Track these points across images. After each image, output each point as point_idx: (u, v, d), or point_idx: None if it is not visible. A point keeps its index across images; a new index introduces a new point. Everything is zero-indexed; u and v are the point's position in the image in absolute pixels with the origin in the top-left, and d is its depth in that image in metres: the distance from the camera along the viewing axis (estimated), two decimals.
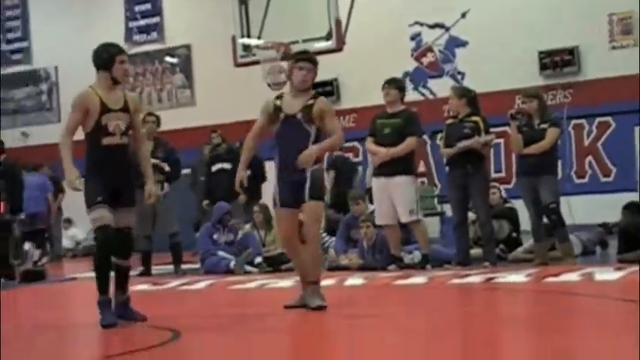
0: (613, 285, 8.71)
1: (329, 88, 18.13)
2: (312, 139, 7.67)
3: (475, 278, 9.73)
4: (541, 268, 10.25)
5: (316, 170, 7.69)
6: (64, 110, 20.37)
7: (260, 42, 16.30)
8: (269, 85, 16.18)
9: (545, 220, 10.92)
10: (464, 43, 17.58)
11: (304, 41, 16.16)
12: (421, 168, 17.39)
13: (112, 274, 7.61)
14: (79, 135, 7.49)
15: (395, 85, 11.36)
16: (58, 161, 7.71)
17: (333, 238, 12.52)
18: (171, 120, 16.24)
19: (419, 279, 9.98)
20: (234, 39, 17.67)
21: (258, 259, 12.19)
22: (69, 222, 19.85)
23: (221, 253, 12.35)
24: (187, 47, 20.32)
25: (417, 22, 17.93)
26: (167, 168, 12.60)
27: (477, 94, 11.56)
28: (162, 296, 10.41)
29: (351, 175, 15.92)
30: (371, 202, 11.79)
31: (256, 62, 17.27)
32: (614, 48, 16.32)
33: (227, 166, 14.71)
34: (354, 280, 10.29)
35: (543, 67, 16.64)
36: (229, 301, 9.59)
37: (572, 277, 9.28)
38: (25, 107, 22.18)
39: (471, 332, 6.61)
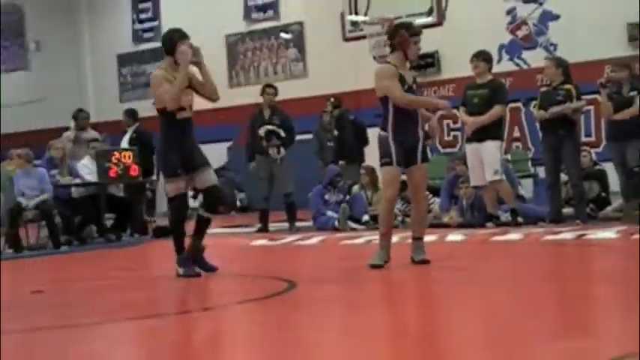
0: None
1: (430, 60, 17.95)
2: None
3: (567, 235, 9.59)
4: (629, 226, 10.02)
5: (424, 134, 7.61)
6: None
7: (366, 18, 16.24)
8: (374, 57, 16.10)
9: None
10: (556, 17, 17.20)
11: (407, 16, 16.03)
12: (516, 133, 17.24)
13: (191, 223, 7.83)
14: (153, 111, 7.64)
15: (482, 57, 11.27)
16: None
17: (436, 198, 12.42)
18: (286, 90, 16.24)
19: (514, 235, 9.88)
20: (342, 15, 17.65)
21: (366, 217, 12.18)
22: None
23: (330, 213, 12.36)
24: (300, 24, 20.29)
25: None
26: (283, 134, 12.66)
27: (569, 63, 11.40)
28: (279, 251, 10.48)
29: None
30: (465, 165, 11.68)
31: (363, 37, 17.21)
32: None
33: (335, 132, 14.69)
34: (455, 236, 10.24)
35: (631, 38, 16.18)
36: (340, 255, 9.58)
37: None
38: None
39: (559, 284, 6.50)
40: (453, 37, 17.25)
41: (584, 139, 14.86)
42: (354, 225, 12.02)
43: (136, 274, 8.93)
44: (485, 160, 10.97)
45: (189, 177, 7.67)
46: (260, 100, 13.03)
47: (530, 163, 16.69)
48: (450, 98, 16.62)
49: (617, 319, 4.88)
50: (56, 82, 23.20)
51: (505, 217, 11.19)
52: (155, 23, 22.39)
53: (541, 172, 13.87)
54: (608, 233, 9.47)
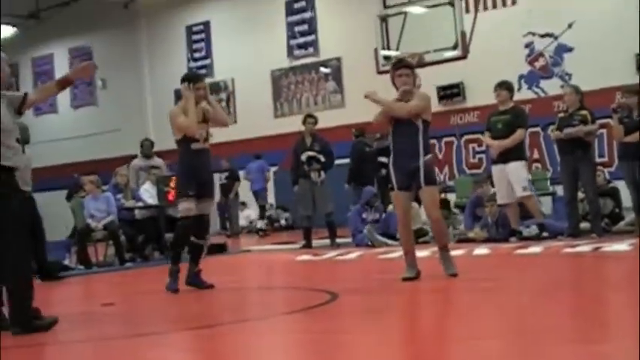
0: None
1: (456, 90, 18.10)
2: (421, 131, 7.41)
3: (584, 248, 9.52)
4: None
5: (428, 159, 7.44)
6: (239, 114, 20.96)
7: (398, 53, 16.25)
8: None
9: None
10: (570, 49, 17.17)
11: (435, 51, 16.05)
12: (535, 155, 17.16)
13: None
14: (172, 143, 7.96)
15: (505, 86, 11.34)
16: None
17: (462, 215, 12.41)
18: (325, 119, 16.28)
19: (536, 249, 9.82)
20: (376, 51, 17.67)
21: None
22: (244, 204, 20.19)
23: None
24: (338, 59, 20.39)
25: (529, 33, 17.58)
26: (323, 159, 12.72)
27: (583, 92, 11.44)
28: (321, 265, 10.50)
29: None
30: (492, 185, 11.67)
31: None
32: None
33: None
34: (481, 250, 10.20)
35: (639, 67, 16.09)
36: (377, 268, 9.57)
37: None
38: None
39: (579, 292, 6.47)
40: (476, 68, 17.24)
41: (598, 159, 14.73)
42: (389, 241, 12.00)
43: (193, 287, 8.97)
44: (513, 179, 10.99)
45: (197, 201, 7.84)
46: (302, 128, 13.11)
47: (549, 182, 16.58)
48: (475, 124, 16.78)
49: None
50: (120, 116, 23.53)
51: (528, 231, 11.15)
52: (208, 61, 22.60)
53: (559, 190, 13.80)
54: (622, 246, 9.38)
